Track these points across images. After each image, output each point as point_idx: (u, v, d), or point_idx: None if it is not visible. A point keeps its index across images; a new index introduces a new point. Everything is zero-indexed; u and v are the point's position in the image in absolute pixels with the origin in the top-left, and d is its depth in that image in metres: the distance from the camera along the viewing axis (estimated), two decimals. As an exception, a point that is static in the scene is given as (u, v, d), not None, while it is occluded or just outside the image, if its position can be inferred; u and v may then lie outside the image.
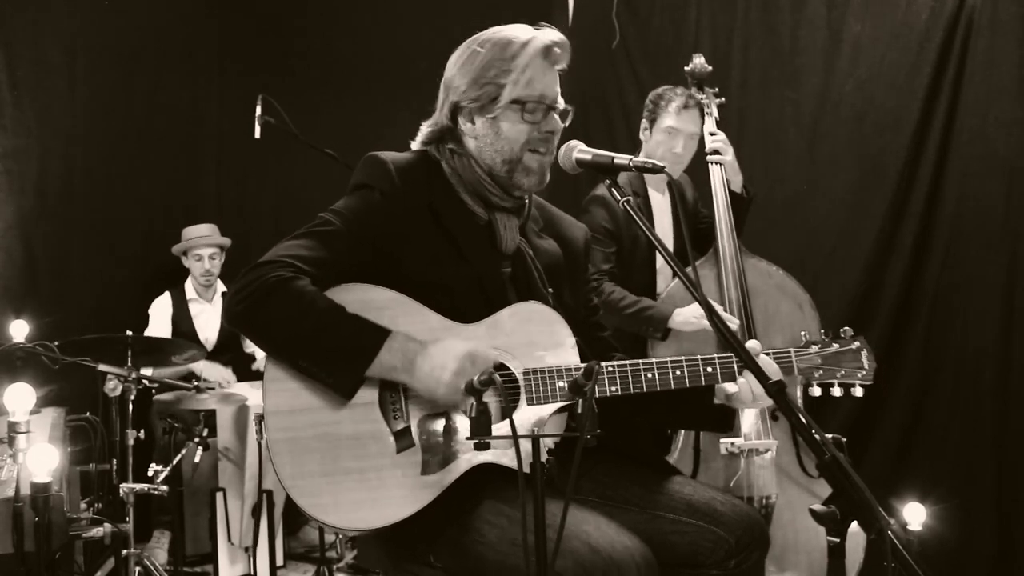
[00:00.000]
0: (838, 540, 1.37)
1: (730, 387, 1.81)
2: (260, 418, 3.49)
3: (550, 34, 1.81)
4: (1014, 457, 3.47)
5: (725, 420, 1.90)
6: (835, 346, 1.94)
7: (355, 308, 1.68)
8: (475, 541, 1.65)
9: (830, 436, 1.38)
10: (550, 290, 1.87)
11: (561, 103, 1.83)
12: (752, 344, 1.76)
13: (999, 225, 3.52)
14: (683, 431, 3.00)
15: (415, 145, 1.91)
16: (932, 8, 3.68)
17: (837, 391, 1.95)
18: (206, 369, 4.13)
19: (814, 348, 1.93)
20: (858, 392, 1.96)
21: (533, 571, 1.44)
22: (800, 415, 1.44)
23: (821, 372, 1.92)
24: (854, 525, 1.35)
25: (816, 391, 1.95)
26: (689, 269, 1.67)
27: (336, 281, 1.72)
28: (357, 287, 1.73)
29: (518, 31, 1.82)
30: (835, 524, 1.36)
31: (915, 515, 2.24)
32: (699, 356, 1.78)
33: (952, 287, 3.66)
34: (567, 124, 1.85)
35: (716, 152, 3.22)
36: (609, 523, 1.64)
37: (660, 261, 3.25)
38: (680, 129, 3.19)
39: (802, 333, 1.99)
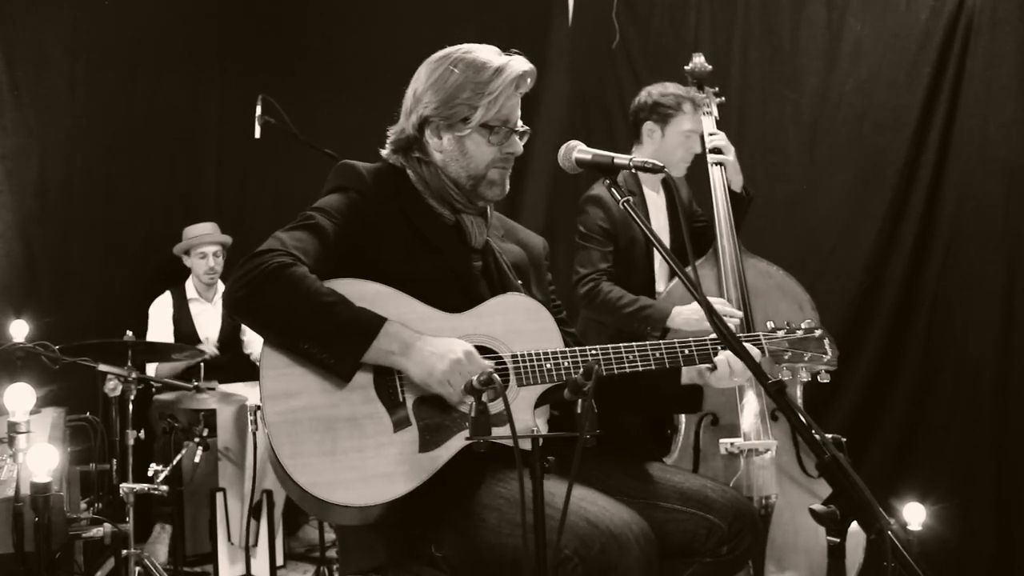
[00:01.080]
0: (838, 540, 1.37)
1: (706, 367, 1.91)
2: (255, 409, 3.50)
3: (522, 63, 1.90)
4: (1014, 457, 3.47)
5: (694, 401, 2.01)
6: (800, 332, 2.02)
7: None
8: (477, 526, 1.68)
9: (830, 436, 1.39)
10: (519, 282, 1.96)
11: (521, 125, 1.92)
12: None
13: (999, 225, 3.52)
14: (682, 431, 3.00)
15: (384, 152, 1.99)
16: (932, 8, 3.68)
17: (804, 375, 2.01)
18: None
19: (780, 333, 2.02)
20: (825, 379, 2.03)
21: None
22: (800, 415, 1.44)
23: (789, 355, 2.01)
24: (854, 525, 1.36)
25: (786, 375, 1.99)
26: (689, 269, 1.67)
27: (326, 276, 1.76)
28: (345, 281, 1.77)
29: (491, 55, 1.90)
30: (835, 524, 1.37)
31: (915, 515, 2.25)
32: (676, 340, 1.88)
33: (952, 287, 3.65)
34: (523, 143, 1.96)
35: (718, 152, 3.22)
36: (606, 498, 1.69)
37: (658, 261, 3.24)
38: (696, 130, 3.23)
39: (768, 323, 2.05)
